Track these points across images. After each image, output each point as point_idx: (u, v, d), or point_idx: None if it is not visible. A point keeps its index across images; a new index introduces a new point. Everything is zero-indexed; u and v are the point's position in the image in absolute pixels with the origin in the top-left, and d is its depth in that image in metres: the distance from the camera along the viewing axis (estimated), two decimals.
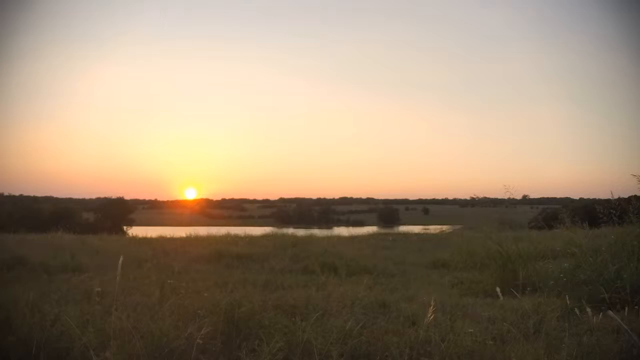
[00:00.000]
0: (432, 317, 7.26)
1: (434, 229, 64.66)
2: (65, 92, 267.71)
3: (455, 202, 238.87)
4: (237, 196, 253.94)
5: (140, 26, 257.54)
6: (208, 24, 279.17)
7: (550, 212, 55.54)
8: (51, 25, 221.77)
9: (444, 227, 70.19)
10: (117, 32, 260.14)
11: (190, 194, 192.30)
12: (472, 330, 7.34)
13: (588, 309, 7.41)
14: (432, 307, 7.32)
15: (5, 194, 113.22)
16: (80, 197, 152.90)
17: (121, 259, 6.88)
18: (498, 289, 8.85)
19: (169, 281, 11.20)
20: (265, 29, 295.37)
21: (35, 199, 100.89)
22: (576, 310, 8.13)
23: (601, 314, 7.50)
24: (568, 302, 9.02)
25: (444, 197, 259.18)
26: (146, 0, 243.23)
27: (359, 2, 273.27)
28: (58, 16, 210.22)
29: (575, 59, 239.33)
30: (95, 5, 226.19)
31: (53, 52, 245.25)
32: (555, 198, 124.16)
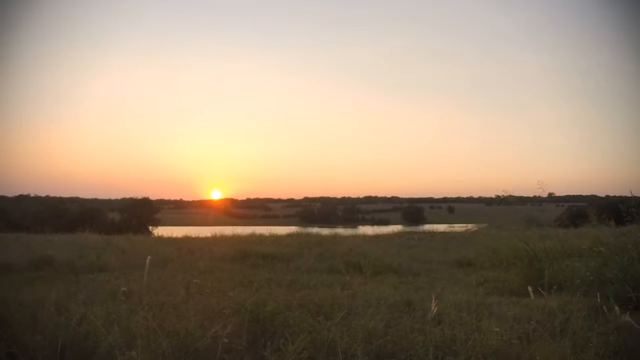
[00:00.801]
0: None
1: (459, 227, 64.32)
2: (88, 94, 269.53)
3: (481, 200, 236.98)
4: (261, 196, 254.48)
5: (158, 30, 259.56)
6: (227, 29, 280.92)
7: (576, 210, 55.16)
8: (76, 29, 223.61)
9: (469, 226, 69.78)
10: (138, 35, 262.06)
11: (215, 194, 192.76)
12: (497, 329, 7.30)
13: (615, 308, 7.36)
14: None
15: (32, 195, 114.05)
16: (106, 197, 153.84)
17: (149, 258, 6.90)
18: (530, 289, 8.82)
19: (194, 281, 11.23)
20: (284, 32, 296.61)
21: (61, 200, 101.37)
22: (603, 308, 8.08)
23: (627, 312, 7.43)
24: (596, 300, 8.95)
25: (469, 195, 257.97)
26: (170, 5, 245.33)
27: (376, 5, 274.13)
28: (83, 20, 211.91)
29: (593, 58, 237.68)
30: (118, 10, 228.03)
31: (74, 55, 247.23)
32: (581, 195, 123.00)
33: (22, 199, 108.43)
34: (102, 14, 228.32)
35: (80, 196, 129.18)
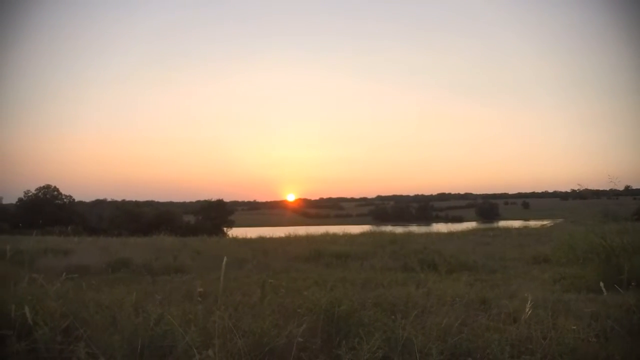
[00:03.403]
0: (529, 312, 7.17)
1: (534, 223, 63.54)
2: (163, 104, 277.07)
3: (556, 194, 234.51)
4: (334, 195, 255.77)
5: (225, 41, 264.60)
6: (294, 35, 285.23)
7: None
8: (152, 47, 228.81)
9: (545, 221, 68.89)
10: (208, 47, 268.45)
11: (289, 194, 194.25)
12: (574, 327, 7.18)
13: None
14: (529, 302, 7.22)
15: (108, 199, 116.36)
16: (181, 200, 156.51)
17: (225, 260, 6.97)
18: (601, 284, 8.67)
19: (269, 280, 11.29)
20: (352, 37, 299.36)
21: (137, 204, 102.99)
22: None
23: None
24: None
25: (543, 190, 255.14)
26: (236, 16, 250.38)
27: (433, 13, 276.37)
28: (158, 39, 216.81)
29: None
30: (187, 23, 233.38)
31: (149, 69, 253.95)
32: None
33: (99, 204, 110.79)
34: (176, 29, 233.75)
35: (156, 199, 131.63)
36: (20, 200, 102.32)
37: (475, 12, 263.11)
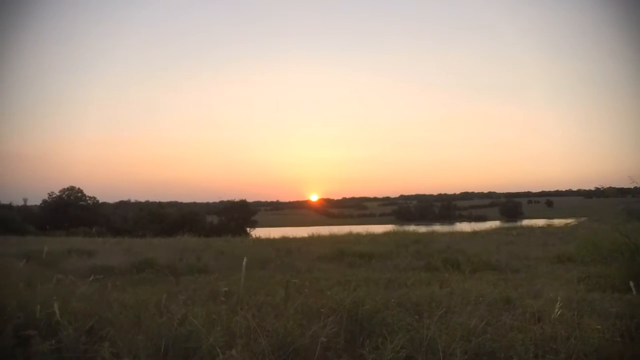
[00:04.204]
0: (559, 312, 7.13)
1: (558, 222, 63.18)
2: (187, 105, 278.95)
3: (580, 193, 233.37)
4: (357, 195, 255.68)
5: (255, 42, 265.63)
6: (315, 35, 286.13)
7: None
8: (169, 52, 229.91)
9: (569, 220, 68.52)
10: (235, 49, 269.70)
11: (312, 194, 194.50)
12: (599, 326, 7.13)
13: None
14: (558, 302, 7.19)
15: (132, 200, 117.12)
16: (204, 201, 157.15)
17: (245, 260, 6.98)
18: (631, 284, 8.62)
19: (292, 280, 11.29)
20: (374, 37, 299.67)
21: (160, 205, 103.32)
22: None
23: None
24: None
25: (567, 188, 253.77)
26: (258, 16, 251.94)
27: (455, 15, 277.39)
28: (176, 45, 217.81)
29: None
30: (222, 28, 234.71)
31: (171, 74, 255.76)
32: None
33: (123, 205, 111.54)
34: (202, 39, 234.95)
35: (179, 200, 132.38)
36: (44, 202, 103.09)
37: (494, 10, 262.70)
